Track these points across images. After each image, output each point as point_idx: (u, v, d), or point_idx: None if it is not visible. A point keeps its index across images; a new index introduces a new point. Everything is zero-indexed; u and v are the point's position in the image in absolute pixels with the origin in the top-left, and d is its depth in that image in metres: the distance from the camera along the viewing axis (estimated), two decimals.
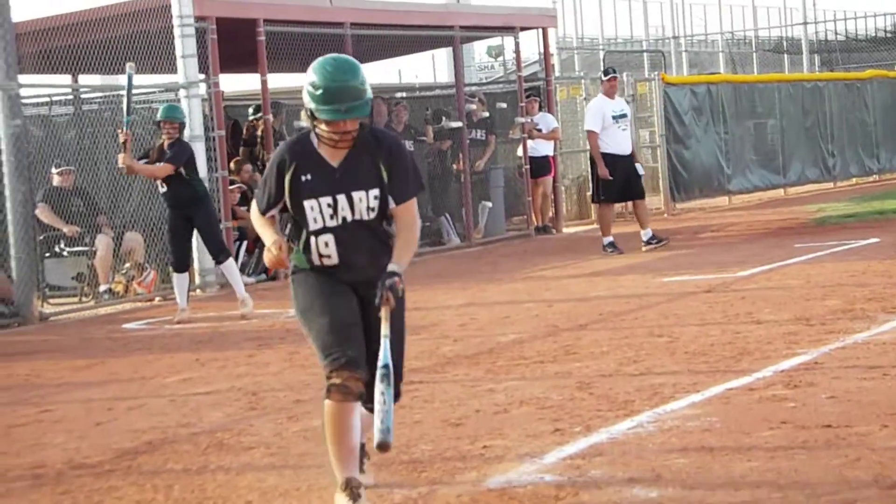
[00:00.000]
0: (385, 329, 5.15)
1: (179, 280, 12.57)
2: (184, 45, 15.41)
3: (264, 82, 16.71)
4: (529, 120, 20.37)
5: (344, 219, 5.26)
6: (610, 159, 16.43)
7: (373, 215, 5.29)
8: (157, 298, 14.85)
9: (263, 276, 16.26)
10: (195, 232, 12.66)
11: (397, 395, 5.33)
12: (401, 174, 5.32)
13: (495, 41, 31.62)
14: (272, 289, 13.65)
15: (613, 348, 9.11)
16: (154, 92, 17.55)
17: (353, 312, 5.28)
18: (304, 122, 5.32)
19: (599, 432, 6.53)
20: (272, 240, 5.30)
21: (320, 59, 5.31)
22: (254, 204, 5.45)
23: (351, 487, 5.24)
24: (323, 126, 5.22)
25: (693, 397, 7.24)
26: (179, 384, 9.10)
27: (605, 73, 17.29)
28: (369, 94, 5.24)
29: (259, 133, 17.41)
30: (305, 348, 10.26)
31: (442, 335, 9.98)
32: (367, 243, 5.31)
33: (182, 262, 12.63)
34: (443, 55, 31.45)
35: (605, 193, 16.59)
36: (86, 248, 14.97)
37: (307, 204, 5.26)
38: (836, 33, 38.76)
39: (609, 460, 5.95)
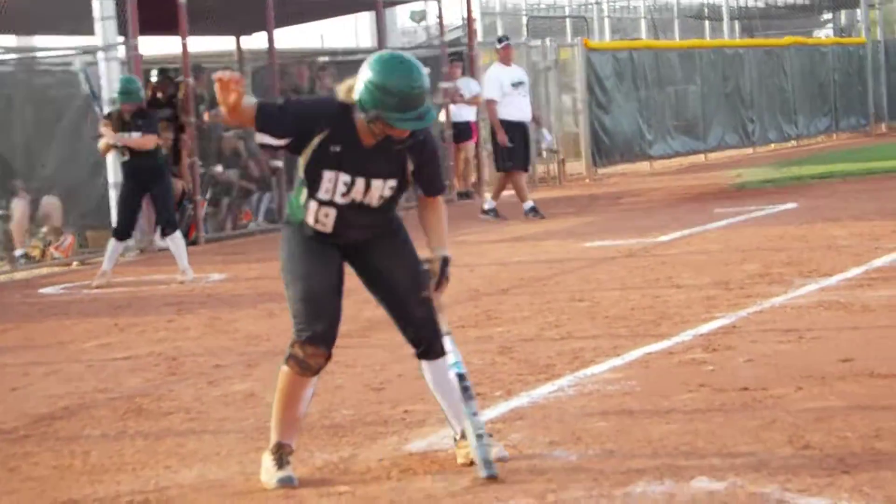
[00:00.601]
0: (444, 324, 5.19)
1: (115, 247, 12.44)
2: (102, 7, 15.18)
3: (185, 45, 16.51)
4: (452, 85, 20.33)
5: (353, 200, 5.14)
6: (512, 126, 16.46)
7: (381, 203, 5.19)
8: (74, 263, 14.68)
9: (185, 239, 16.11)
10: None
11: (438, 351, 5.28)
12: (434, 169, 5.27)
13: (418, 6, 31.52)
14: (192, 253, 13.53)
15: (534, 313, 9.14)
16: (72, 54, 17.30)
17: (333, 281, 5.17)
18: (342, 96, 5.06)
19: (520, 396, 6.56)
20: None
21: (388, 56, 5.06)
22: (259, 107, 5.05)
23: (281, 453, 5.21)
24: (378, 123, 5.00)
25: (613, 361, 7.29)
26: (97, 349, 9.00)
27: (500, 40, 17.31)
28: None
29: (180, 96, 17.22)
30: (226, 313, 10.21)
31: (364, 300, 9.91)
32: (366, 222, 5.22)
33: (127, 231, 12.52)
34: (366, 19, 31.27)
35: (513, 160, 16.63)
36: (1, 213, 14.75)
37: (327, 174, 5.10)
38: (756, 0, 39.05)
39: (530, 424, 5.97)
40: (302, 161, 5.15)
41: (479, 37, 26.03)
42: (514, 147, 16.44)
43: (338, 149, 5.08)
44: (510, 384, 6.86)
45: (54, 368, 8.35)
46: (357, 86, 5.06)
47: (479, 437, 5.12)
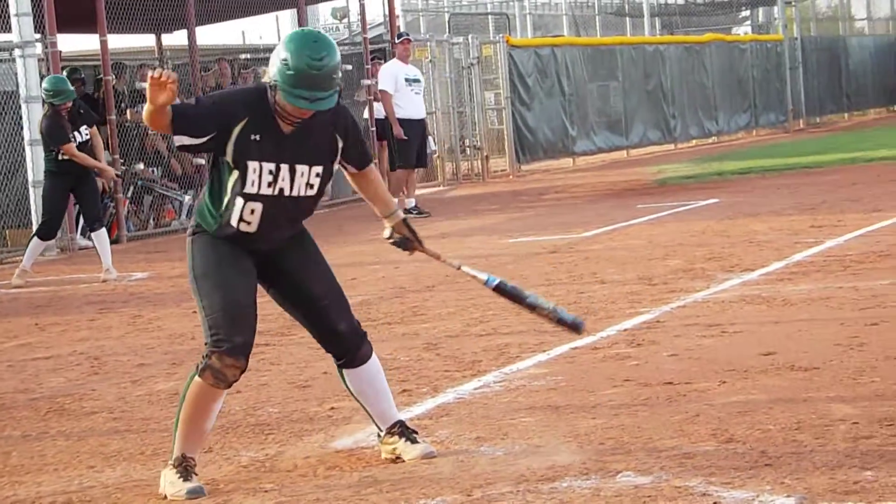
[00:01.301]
0: (454, 260, 5.43)
1: (37, 246, 12.29)
2: (17, 3, 14.98)
3: (104, 42, 16.34)
4: (375, 82, 20.28)
5: (281, 190, 5.02)
6: (404, 123, 16.50)
7: (311, 192, 5.09)
8: None
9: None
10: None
11: (357, 330, 5.29)
12: (359, 143, 5.21)
13: (340, 2, 31.43)
14: (115, 251, 13.39)
15: (460, 309, 9.16)
16: None
17: (250, 291, 5.06)
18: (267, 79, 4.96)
19: (446, 392, 6.56)
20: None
21: (301, 33, 4.99)
22: (177, 109, 4.91)
23: (186, 465, 5.06)
24: (285, 104, 4.94)
25: (539, 357, 7.32)
26: (17, 349, 8.89)
27: (399, 36, 17.32)
28: (339, 82, 4.98)
29: (100, 94, 17.05)
30: (149, 312, 10.12)
31: None
32: (293, 216, 5.12)
33: (54, 231, 12.38)
34: (287, 16, 31.16)
35: (404, 159, 16.68)
36: None
37: (251, 165, 4.98)
38: None
39: (456, 420, 5.98)
40: (230, 157, 5.00)
41: None
42: (402, 144, 16.47)
43: (258, 137, 4.97)
44: (436, 381, 6.86)
45: None
46: (271, 63, 4.99)
47: (553, 309, 5.39)
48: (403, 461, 5.28)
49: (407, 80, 16.67)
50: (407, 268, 11.73)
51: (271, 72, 4.97)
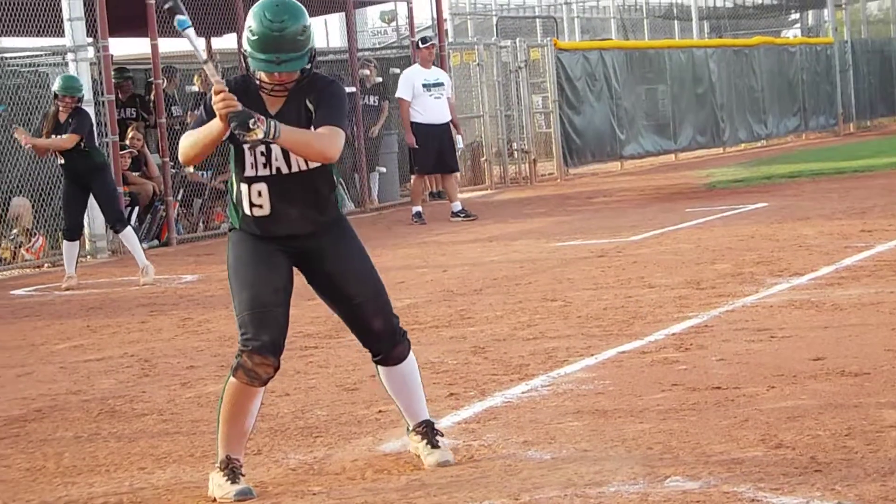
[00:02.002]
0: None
1: (69, 248, 12.41)
2: (71, 8, 15.12)
3: (154, 46, 16.47)
4: None
5: (278, 169, 5.05)
6: (421, 128, 16.48)
7: (311, 165, 5.07)
8: (45, 265, 14.62)
9: (156, 241, 16.11)
10: (90, 200, 12.50)
11: (394, 329, 5.24)
12: (328, 103, 5.06)
13: (388, 6, 31.52)
14: (164, 254, 13.52)
15: (508, 312, 9.16)
16: (41, 55, 17.24)
17: (279, 289, 5.07)
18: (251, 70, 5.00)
19: (494, 396, 6.57)
20: (213, 105, 4.89)
21: (262, 1, 5.02)
22: (186, 134, 5.04)
23: (232, 467, 5.10)
24: (260, 73, 5.00)
25: (586, 361, 7.31)
26: (70, 351, 8.97)
27: (422, 40, 17.27)
28: (310, 43, 5.01)
29: (151, 97, 17.19)
30: (198, 314, 10.20)
31: None
32: (302, 196, 5.09)
33: (75, 231, 12.48)
34: (335, 20, 31.29)
35: (419, 164, 16.71)
36: None
37: (246, 147, 5.05)
38: (725, 0, 39.22)
39: (503, 424, 5.99)
40: (231, 142, 5.06)
41: (450, 37, 26.07)
42: (418, 149, 16.49)
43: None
44: (484, 384, 6.87)
45: (26, 370, 8.32)
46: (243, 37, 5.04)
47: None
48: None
49: (426, 84, 16.66)
50: (454, 271, 11.75)
51: (243, 45, 5.04)
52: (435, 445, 5.34)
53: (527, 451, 5.49)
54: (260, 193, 5.08)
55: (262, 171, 5.06)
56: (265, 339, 5.01)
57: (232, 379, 5.08)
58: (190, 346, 8.80)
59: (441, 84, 16.80)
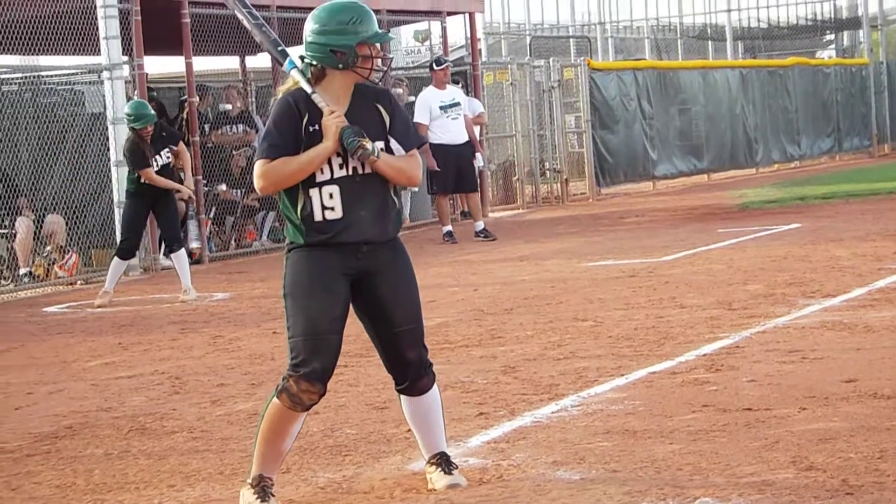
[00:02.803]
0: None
1: (118, 266, 12.47)
2: (107, 26, 15.23)
3: (189, 65, 16.58)
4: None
5: (354, 169, 5.06)
6: (440, 149, 16.55)
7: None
8: (78, 282, 14.70)
9: (189, 258, 16.15)
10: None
11: (423, 361, 5.23)
12: (403, 121, 5.21)
13: (422, 25, 31.59)
14: (196, 272, 13.56)
15: (538, 332, 9.15)
16: (77, 73, 17.35)
17: (336, 317, 5.04)
18: (300, 82, 5.07)
19: (524, 416, 6.56)
20: (326, 125, 5.00)
21: (334, 3, 5.12)
22: (258, 166, 5.03)
23: (262, 486, 5.09)
24: (361, 63, 5.03)
25: (617, 381, 7.29)
26: (101, 368, 9.01)
27: (437, 62, 17.29)
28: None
29: (184, 115, 17.28)
30: (229, 332, 10.22)
31: None
32: (372, 199, 5.09)
33: (132, 251, 12.59)
34: None
35: (438, 185, 16.84)
36: (5, 231, 14.77)
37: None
38: (759, 21, 39.14)
39: (533, 443, 5.97)
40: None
41: (483, 56, 26.11)
42: (438, 171, 16.57)
43: (317, 126, 5.03)
44: (514, 404, 6.86)
45: (58, 387, 8.36)
46: (316, 52, 5.06)
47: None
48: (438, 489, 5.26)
49: (442, 106, 16.73)
50: (485, 290, 11.74)
51: (335, 43, 5.01)
52: (448, 472, 5.29)
53: (556, 471, 5.47)
54: (332, 196, 5.06)
55: (339, 173, 5.06)
56: (316, 367, 5.00)
57: (275, 400, 5.07)
58: (220, 363, 8.82)
59: (458, 104, 16.87)
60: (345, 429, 6.55)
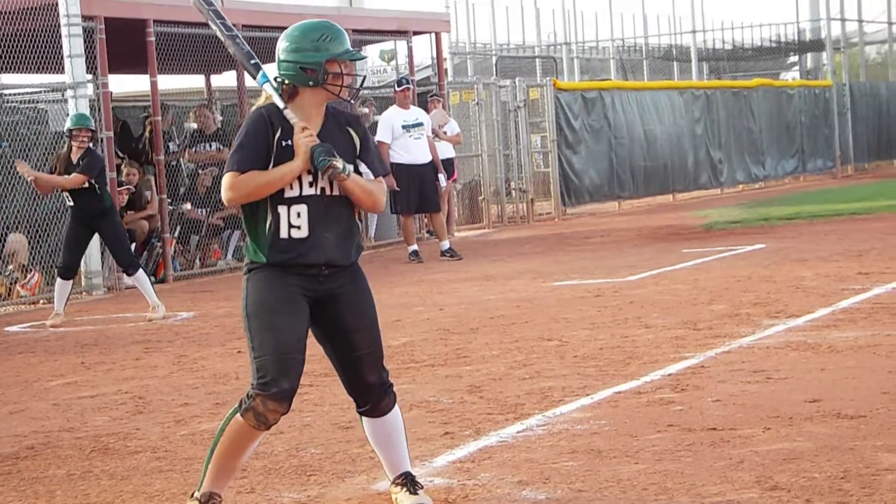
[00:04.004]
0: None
1: (63, 286, 12.40)
2: (71, 45, 15.17)
3: (154, 83, 16.53)
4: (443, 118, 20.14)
5: (323, 189, 5.04)
6: (402, 169, 16.59)
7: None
8: (41, 301, 14.60)
9: (152, 278, 16.08)
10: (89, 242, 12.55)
11: (384, 383, 5.20)
12: (373, 147, 5.21)
13: (388, 45, 31.62)
14: (161, 291, 13.49)
15: (504, 352, 9.14)
16: (40, 92, 17.28)
17: (302, 336, 5.03)
18: (272, 100, 5.06)
19: (489, 436, 6.55)
20: (297, 144, 4.98)
21: (305, 22, 5.13)
22: (227, 177, 5.00)
23: (211, 503, 5.09)
24: (331, 80, 5.03)
25: (582, 401, 7.29)
26: (63, 388, 8.94)
27: (399, 83, 17.33)
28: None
29: (146, 134, 17.23)
30: (193, 351, 10.17)
31: None
32: (338, 221, 5.08)
33: (72, 270, 12.50)
34: None
35: (401, 205, 16.86)
36: None
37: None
38: (724, 42, 39.40)
39: (498, 463, 5.96)
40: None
41: (449, 76, 26.15)
42: (400, 191, 16.59)
43: (289, 142, 5.01)
44: (479, 423, 6.85)
45: (19, 407, 8.29)
46: (287, 70, 5.05)
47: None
48: None
49: (405, 126, 16.75)
50: (451, 309, 11.73)
51: (306, 60, 5.01)
52: (413, 492, 5.27)
53: (521, 491, 5.46)
54: (299, 214, 5.04)
55: (308, 191, 5.04)
56: (284, 386, 4.97)
57: (238, 417, 5.03)
58: (185, 383, 8.77)
59: (420, 124, 16.88)
60: (310, 448, 6.52)
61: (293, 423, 7.10)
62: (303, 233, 5.05)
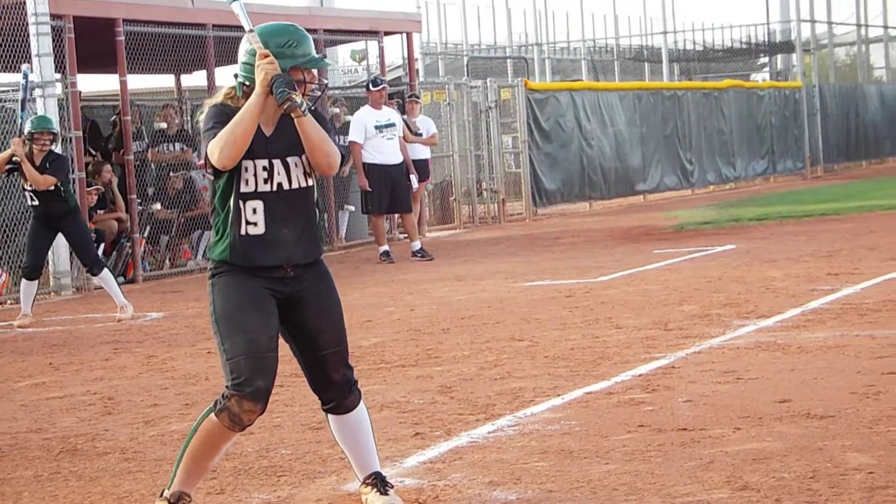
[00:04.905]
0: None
1: (28, 287, 12.34)
2: (39, 44, 15.09)
3: (123, 83, 16.45)
4: (413, 122, 20.09)
5: (279, 185, 5.00)
6: (374, 169, 16.60)
7: (310, 182, 5.06)
8: (8, 301, 14.51)
9: (121, 278, 16.01)
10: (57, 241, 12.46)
11: (349, 380, 5.17)
12: (324, 128, 5.07)
13: (359, 45, 31.58)
14: (130, 291, 13.44)
15: (475, 352, 9.14)
16: (8, 90, 17.16)
17: (273, 335, 5.01)
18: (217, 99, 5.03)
19: (460, 436, 6.54)
20: (257, 70, 4.91)
21: (270, 25, 5.06)
22: (210, 145, 4.92)
23: (181, 503, 5.07)
24: (302, 76, 4.99)
25: (553, 401, 7.29)
26: (31, 388, 8.89)
27: (373, 83, 17.31)
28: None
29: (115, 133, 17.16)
30: (163, 352, 10.12)
31: None
32: (296, 217, 5.05)
33: (36, 271, 12.43)
34: None
35: (372, 205, 16.83)
36: None
37: (244, 164, 4.96)
38: (695, 43, 39.54)
39: (469, 464, 5.96)
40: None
41: (421, 76, 26.14)
42: (372, 191, 16.59)
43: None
44: (450, 424, 6.84)
45: None
46: (250, 73, 4.98)
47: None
48: None
49: (377, 126, 16.74)
50: (422, 310, 11.72)
51: (270, 68, 4.93)
52: (384, 493, 5.25)
53: (492, 492, 5.45)
54: (255, 210, 5.01)
55: (263, 187, 5.00)
56: (259, 385, 4.93)
57: (213, 417, 5.00)
58: (154, 384, 8.73)
59: (393, 125, 16.86)
60: (280, 449, 6.49)
61: (263, 423, 7.07)
62: (259, 229, 5.02)
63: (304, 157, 5.05)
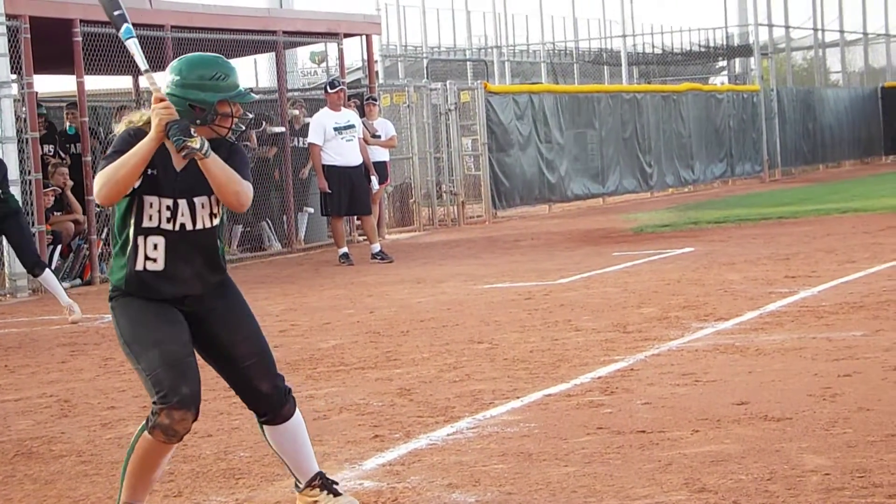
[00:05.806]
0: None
1: None
2: None
3: (80, 84, 16.34)
4: (370, 124, 20.09)
5: (182, 225, 4.91)
6: (333, 171, 16.59)
7: (215, 222, 4.97)
8: None
9: (78, 280, 15.92)
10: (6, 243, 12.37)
11: (280, 388, 5.10)
12: (238, 163, 4.97)
13: (318, 47, 31.53)
14: (87, 293, 13.36)
15: (434, 354, 9.13)
16: None
17: (186, 341, 4.93)
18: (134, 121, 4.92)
19: (419, 438, 6.53)
20: (153, 115, 4.81)
21: (196, 56, 5.02)
22: (97, 177, 4.84)
23: None
24: (219, 121, 4.91)
25: (512, 403, 7.29)
26: None
27: (332, 84, 17.29)
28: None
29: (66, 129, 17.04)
30: (120, 355, 10.04)
31: None
32: (198, 257, 4.96)
33: None
34: (265, 60, 31.26)
35: (332, 207, 16.81)
36: None
37: (147, 199, 4.88)
38: (654, 46, 39.71)
39: (428, 466, 5.95)
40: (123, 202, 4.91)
41: (380, 79, 26.13)
42: (331, 193, 16.58)
43: (154, 171, 4.87)
44: (409, 426, 6.83)
45: None
46: (174, 105, 4.88)
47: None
48: None
49: (337, 128, 16.71)
50: (381, 312, 11.70)
51: (195, 97, 4.89)
52: (337, 493, 5.21)
53: (451, 494, 5.45)
54: (156, 247, 4.92)
55: (165, 226, 4.91)
56: (185, 392, 4.84)
57: (147, 435, 4.91)
58: (111, 386, 8.67)
59: (352, 126, 16.83)
60: (238, 452, 6.46)
61: (222, 426, 7.04)
62: (158, 266, 4.93)
63: (212, 197, 4.94)
